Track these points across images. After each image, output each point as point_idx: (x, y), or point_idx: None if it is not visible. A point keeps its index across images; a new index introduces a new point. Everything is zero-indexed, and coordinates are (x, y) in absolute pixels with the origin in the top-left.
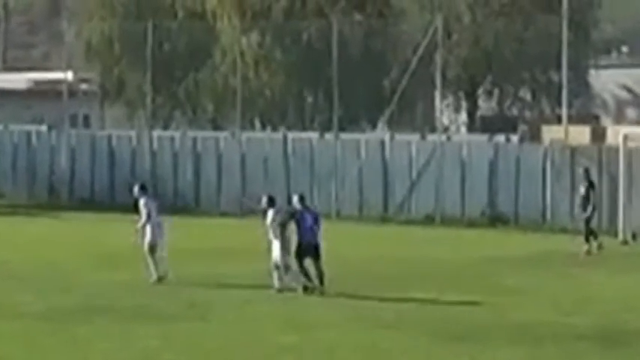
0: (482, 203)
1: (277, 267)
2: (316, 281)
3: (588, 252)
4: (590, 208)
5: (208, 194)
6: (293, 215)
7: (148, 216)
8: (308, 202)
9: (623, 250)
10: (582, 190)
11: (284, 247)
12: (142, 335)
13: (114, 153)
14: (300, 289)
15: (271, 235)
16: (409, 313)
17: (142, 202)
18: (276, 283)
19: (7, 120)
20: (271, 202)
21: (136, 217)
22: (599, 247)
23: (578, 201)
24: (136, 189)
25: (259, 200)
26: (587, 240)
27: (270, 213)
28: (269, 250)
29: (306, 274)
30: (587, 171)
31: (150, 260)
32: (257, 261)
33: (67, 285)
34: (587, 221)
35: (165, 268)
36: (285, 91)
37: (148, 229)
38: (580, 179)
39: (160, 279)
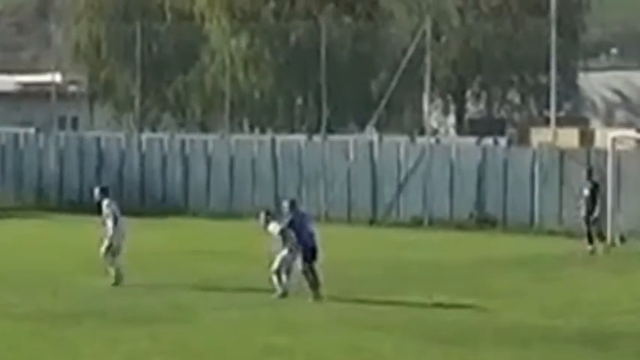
0: (470, 206)
1: (278, 272)
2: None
3: (607, 250)
4: (598, 209)
5: (197, 196)
6: (292, 223)
7: (115, 218)
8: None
9: (611, 253)
10: (586, 191)
11: (290, 253)
12: (131, 337)
13: (102, 155)
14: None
15: (275, 247)
16: (398, 315)
17: (105, 204)
18: (278, 288)
19: None
20: (271, 217)
21: (99, 219)
22: (592, 252)
23: (581, 202)
24: (96, 192)
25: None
26: (602, 239)
27: (271, 227)
28: (272, 262)
29: (309, 279)
30: (590, 172)
31: (109, 261)
32: (246, 263)
33: (55, 287)
34: (595, 222)
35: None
36: (273, 93)
37: (113, 231)
38: (576, 180)
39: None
